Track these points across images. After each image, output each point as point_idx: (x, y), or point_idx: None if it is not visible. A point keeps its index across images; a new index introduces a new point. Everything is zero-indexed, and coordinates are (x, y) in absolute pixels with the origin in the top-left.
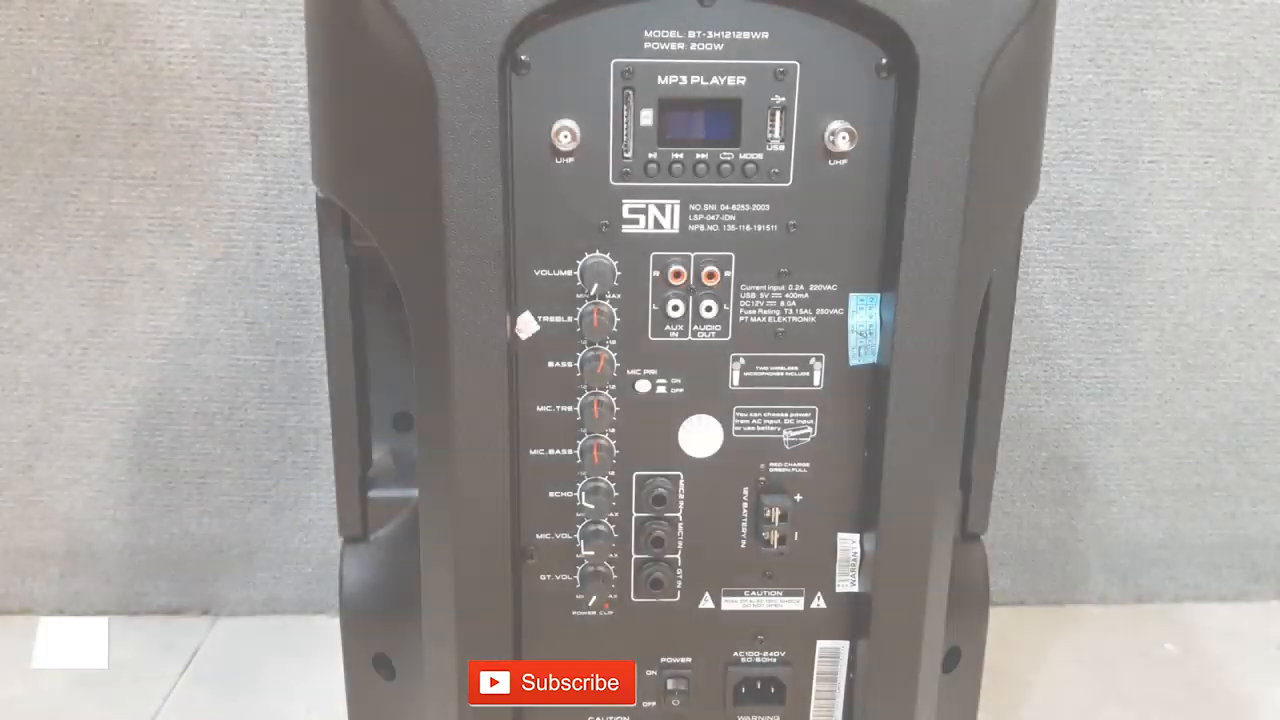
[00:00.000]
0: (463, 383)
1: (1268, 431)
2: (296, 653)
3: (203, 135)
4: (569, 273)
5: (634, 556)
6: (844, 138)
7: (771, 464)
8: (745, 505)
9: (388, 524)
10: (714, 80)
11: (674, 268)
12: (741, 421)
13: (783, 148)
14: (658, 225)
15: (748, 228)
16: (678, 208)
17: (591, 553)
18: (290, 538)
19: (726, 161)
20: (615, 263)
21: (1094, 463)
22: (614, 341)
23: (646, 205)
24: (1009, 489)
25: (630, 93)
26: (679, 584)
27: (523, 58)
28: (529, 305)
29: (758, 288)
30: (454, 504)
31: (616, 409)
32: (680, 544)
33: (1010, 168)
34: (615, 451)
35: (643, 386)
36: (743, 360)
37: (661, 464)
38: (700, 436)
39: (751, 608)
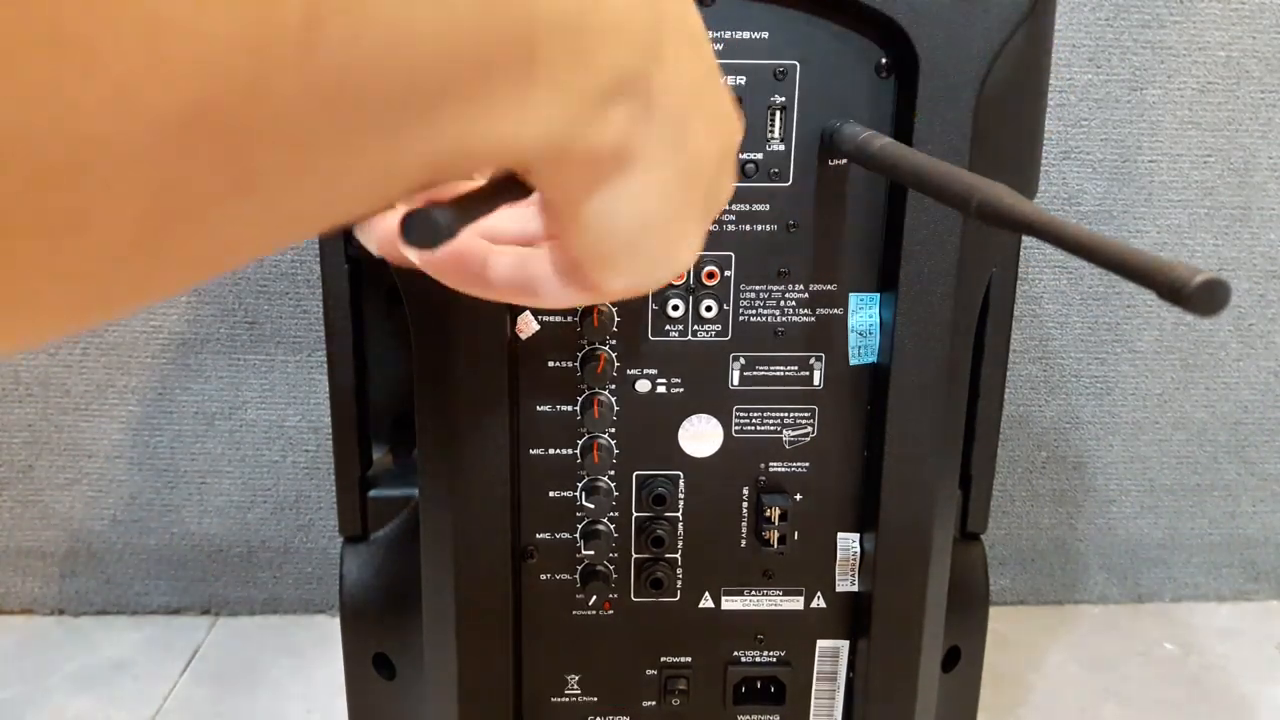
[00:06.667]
0: (463, 383)
1: (1267, 431)
2: (296, 653)
3: None
4: None
5: (634, 556)
6: None
7: (771, 464)
8: (745, 505)
9: (388, 524)
10: None
11: None
12: (741, 421)
13: (782, 148)
14: None
15: (747, 227)
16: None
17: (591, 552)
18: (290, 537)
19: None
20: None
21: (1093, 462)
22: (614, 341)
23: None
24: (1009, 489)
25: None
26: (679, 584)
27: None
28: None
29: (757, 287)
30: (454, 504)
31: (616, 409)
32: (680, 544)
33: (1010, 167)
34: (615, 451)
35: (643, 386)
36: (743, 360)
37: (661, 464)
38: (700, 436)
39: (751, 607)
